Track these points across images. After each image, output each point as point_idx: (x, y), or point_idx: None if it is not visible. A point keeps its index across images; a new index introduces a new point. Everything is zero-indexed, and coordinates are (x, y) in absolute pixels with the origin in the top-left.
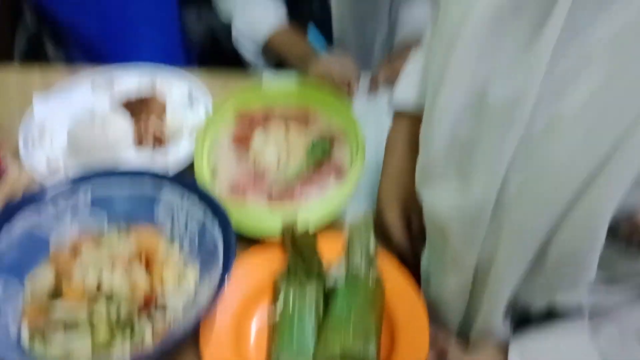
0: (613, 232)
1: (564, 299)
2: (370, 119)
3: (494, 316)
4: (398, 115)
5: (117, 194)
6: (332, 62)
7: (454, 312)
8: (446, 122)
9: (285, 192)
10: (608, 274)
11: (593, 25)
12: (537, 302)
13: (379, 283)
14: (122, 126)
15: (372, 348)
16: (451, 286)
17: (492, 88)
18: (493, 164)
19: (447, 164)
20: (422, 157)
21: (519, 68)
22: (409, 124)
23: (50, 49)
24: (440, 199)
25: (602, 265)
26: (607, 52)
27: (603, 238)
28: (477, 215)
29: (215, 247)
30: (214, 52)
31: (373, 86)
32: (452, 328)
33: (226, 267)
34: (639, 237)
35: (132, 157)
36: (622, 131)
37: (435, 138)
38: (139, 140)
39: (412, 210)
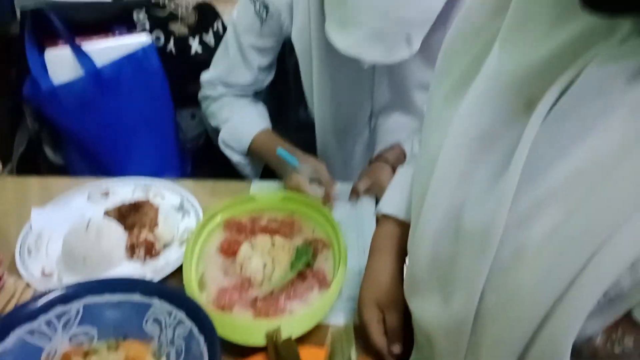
0: (578, 354)
1: None
2: (353, 225)
3: None
4: (383, 218)
5: (108, 307)
6: (304, 176)
7: None
8: (427, 241)
9: (270, 303)
10: None
11: (552, 164)
12: None
13: None
14: (116, 236)
15: None
16: None
17: (467, 214)
18: (471, 282)
19: (430, 279)
20: (409, 269)
21: (490, 197)
22: (394, 226)
23: (48, 152)
24: (426, 310)
25: None
26: (567, 189)
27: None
28: (459, 328)
29: (201, 358)
30: (208, 150)
31: (354, 195)
32: None
33: None
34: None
35: (125, 267)
36: (581, 264)
37: (419, 254)
38: (132, 251)
39: (388, 311)
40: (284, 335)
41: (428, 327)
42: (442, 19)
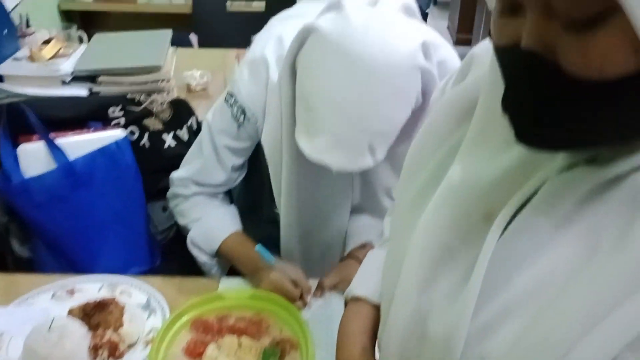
0: None
1: None
2: (322, 323)
3: None
4: (353, 301)
5: None
6: (283, 274)
7: None
8: (396, 341)
9: None
10: None
11: (511, 278)
12: None
13: None
14: (79, 336)
15: None
16: None
17: (431, 321)
18: None
19: None
20: None
21: (453, 307)
22: (366, 308)
23: (15, 245)
24: None
25: None
26: (526, 302)
27: None
28: None
29: None
30: (178, 242)
31: (319, 292)
32: None
33: None
34: None
35: None
36: None
37: (388, 353)
38: (95, 352)
39: None
40: None
41: None
42: (408, 131)
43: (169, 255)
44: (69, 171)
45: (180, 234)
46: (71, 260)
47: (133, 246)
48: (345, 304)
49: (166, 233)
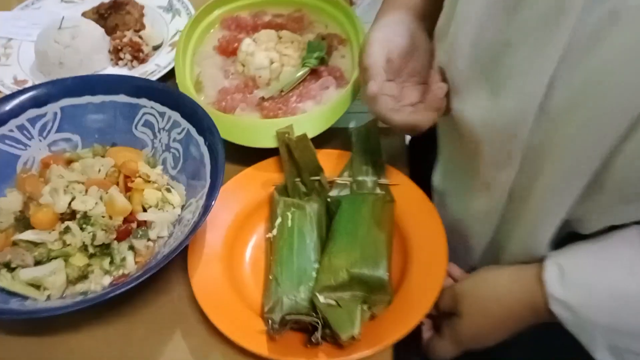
0: None
1: (629, 216)
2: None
3: (533, 243)
4: None
5: (90, 110)
6: None
7: (478, 238)
8: (469, 25)
9: (278, 104)
10: None
11: None
12: (592, 224)
13: (388, 197)
14: (95, 37)
15: (382, 270)
16: (477, 209)
17: None
18: (532, 73)
19: (473, 71)
20: (448, 63)
21: None
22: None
23: None
24: (469, 111)
25: None
26: None
27: None
28: (513, 131)
29: (202, 164)
30: None
31: None
32: (473, 256)
33: (214, 185)
34: None
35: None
36: None
37: (457, 41)
38: (116, 55)
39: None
40: (298, 135)
41: (472, 131)
42: None
43: None
44: None
45: None
46: None
47: None
48: None
49: None
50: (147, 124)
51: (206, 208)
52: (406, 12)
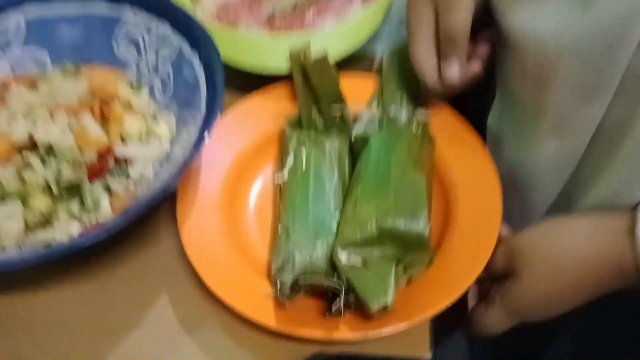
0: None
1: None
2: None
3: (627, 195)
4: None
5: (62, 23)
6: None
7: (544, 192)
8: None
9: (292, 19)
10: None
11: None
12: None
13: (427, 132)
14: None
15: (422, 222)
16: (546, 155)
17: None
18: None
19: None
20: None
21: None
22: None
23: None
24: (541, 23)
25: None
26: None
27: None
28: (608, 47)
29: (197, 88)
30: None
31: None
32: (533, 215)
33: (210, 114)
34: None
35: None
36: None
37: None
38: None
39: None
40: (315, 56)
41: (545, 53)
42: None
43: None
44: None
45: None
46: None
47: None
48: None
49: None
50: (131, 41)
51: (200, 142)
52: None
